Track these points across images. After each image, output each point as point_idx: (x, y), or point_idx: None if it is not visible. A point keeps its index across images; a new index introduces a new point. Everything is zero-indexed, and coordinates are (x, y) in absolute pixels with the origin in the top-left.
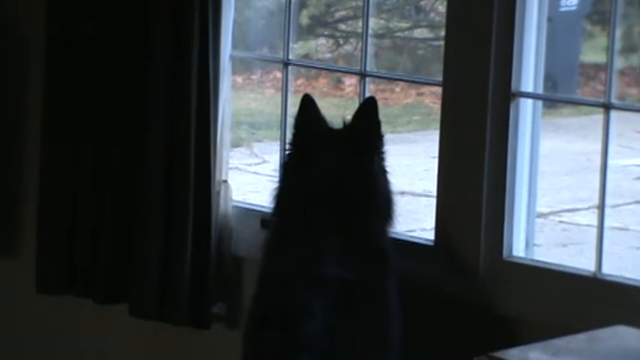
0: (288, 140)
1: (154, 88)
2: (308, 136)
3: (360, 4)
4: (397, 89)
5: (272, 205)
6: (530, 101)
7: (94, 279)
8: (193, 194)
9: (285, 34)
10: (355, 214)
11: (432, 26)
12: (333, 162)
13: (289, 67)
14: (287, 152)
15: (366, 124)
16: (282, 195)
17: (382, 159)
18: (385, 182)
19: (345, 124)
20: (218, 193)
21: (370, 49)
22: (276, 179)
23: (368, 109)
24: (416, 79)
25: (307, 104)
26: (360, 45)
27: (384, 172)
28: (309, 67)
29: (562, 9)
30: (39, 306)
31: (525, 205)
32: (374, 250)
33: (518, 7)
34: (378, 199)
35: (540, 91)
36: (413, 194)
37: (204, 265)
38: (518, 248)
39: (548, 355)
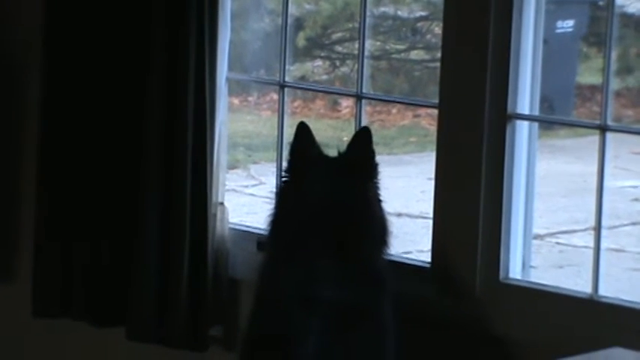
0: (283, 168)
1: (151, 111)
2: (303, 164)
3: (357, 25)
4: (393, 111)
5: (267, 231)
6: (526, 123)
7: (91, 302)
8: (190, 216)
9: (282, 55)
10: (350, 239)
11: (428, 48)
12: (327, 190)
13: (285, 89)
14: (282, 180)
15: (361, 154)
16: (277, 222)
17: (376, 188)
18: (379, 210)
19: (339, 152)
20: (214, 215)
21: (366, 71)
22: (272, 206)
23: (362, 139)
24: (412, 101)
25: (302, 132)
26: (356, 67)
27: (378, 200)
28: (306, 89)
29: (558, 30)
30: (35, 329)
31: (522, 226)
32: (369, 272)
33: (514, 29)
34: (372, 224)
35: (536, 112)
36: (409, 216)
37: (201, 288)
38: (514, 270)
39: None
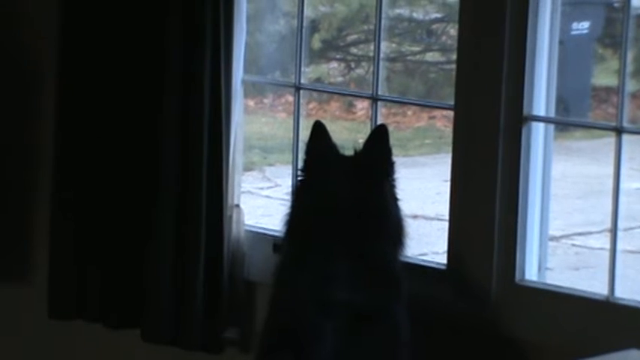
0: (299, 167)
1: (167, 113)
2: (319, 162)
3: (372, 27)
4: (409, 113)
5: (283, 231)
6: (541, 125)
7: (107, 304)
8: (205, 218)
9: (297, 57)
10: (366, 240)
11: (443, 50)
12: (344, 188)
13: (301, 91)
14: (298, 179)
15: (377, 152)
16: (293, 221)
17: (393, 186)
18: (396, 209)
19: (356, 151)
20: (230, 217)
21: (382, 73)
22: (288, 205)
23: (379, 137)
24: (427, 103)
25: (318, 131)
26: (371, 69)
27: (395, 199)
28: (321, 91)
29: (573, 32)
30: (51, 331)
31: (538, 228)
32: (385, 274)
33: (530, 31)
34: (388, 224)
35: (552, 114)
36: (425, 218)
37: (217, 290)
38: (530, 272)
39: None
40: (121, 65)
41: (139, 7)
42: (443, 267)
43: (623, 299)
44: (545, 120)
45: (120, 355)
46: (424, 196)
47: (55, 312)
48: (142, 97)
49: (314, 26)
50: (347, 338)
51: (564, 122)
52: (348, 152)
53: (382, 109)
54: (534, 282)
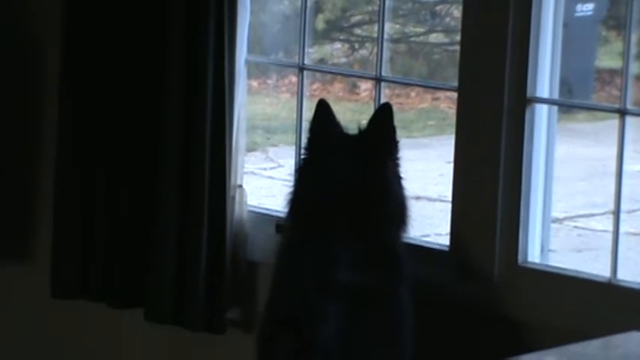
0: (303, 145)
1: (170, 93)
2: (323, 141)
3: (376, 8)
4: (412, 94)
5: (286, 210)
6: (545, 106)
7: (110, 283)
8: (208, 199)
9: (301, 38)
10: (369, 220)
11: (447, 31)
12: (347, 167)
13: (305, 72)
14: (302, 157)
15: (381, 130)
16: (296, 200)
17: (397, 165)
18: (399, 188)
19: (360, 129)
20: (233, 197)
21: (386, 54)
22: (291, 184)
23: (383, 115)
24: (431, 85)
25: (322, 109)
26: (375, 50)
27: (398, 178)
28: (325, 71)
29: (578, 14)
30: (54, 310)
31: (540, 210)
32: (387, 255)
33: (534, 12)
34: (391, 204)
35: (556, 96)
36: (428, 199)
37: (219, 270)
38: (533, 254)
39: None
40: (124, 46)
41: None
42: (445, 248)
43: (626, 281)
44: (549, 102)
45: (123, 335)
46: (427, 178)
47: (58, 291)
48: (145, 77)
49: (318, 7)
50: (349, 319)
51: (568, 104)
52: (352, 131)
53: (386, 90)
54: (537, 264)
